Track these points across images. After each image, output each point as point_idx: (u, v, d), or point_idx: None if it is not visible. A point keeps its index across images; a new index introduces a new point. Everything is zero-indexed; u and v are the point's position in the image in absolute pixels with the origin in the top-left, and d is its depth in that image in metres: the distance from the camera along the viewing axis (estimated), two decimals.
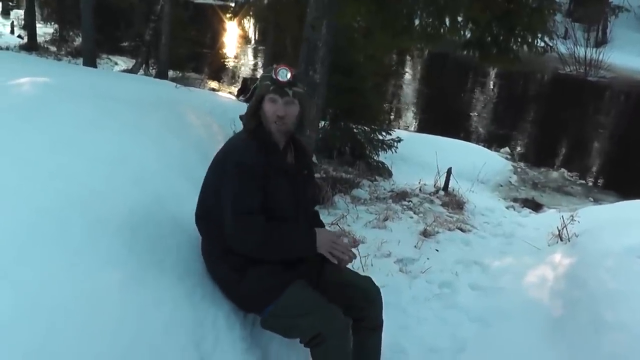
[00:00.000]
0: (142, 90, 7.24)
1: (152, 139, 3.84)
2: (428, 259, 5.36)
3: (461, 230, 6.29)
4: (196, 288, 2.87)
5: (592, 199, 9.98)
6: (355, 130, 9.13)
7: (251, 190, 2.77)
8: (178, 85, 9.20)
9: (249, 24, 18.14)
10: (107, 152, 3.26)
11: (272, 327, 2.90)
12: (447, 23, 5.59)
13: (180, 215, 3.16)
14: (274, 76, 2.80)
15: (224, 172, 2.85)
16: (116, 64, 19.63)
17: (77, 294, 2.18)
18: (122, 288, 2.40)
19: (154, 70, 17.19)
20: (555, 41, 17.96)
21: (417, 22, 5.97)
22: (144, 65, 17.85)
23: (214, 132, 4.94)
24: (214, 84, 17.76)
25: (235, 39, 24.64)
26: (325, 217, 5.61)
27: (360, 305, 3.01)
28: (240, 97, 13.04)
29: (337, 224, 5.64)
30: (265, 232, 2.77)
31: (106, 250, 2.48)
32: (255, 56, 23.12)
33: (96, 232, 2.52)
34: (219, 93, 13.67)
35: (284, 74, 2.80)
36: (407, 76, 22.85)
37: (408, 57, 23.93)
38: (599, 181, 11.97)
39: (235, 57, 23.32)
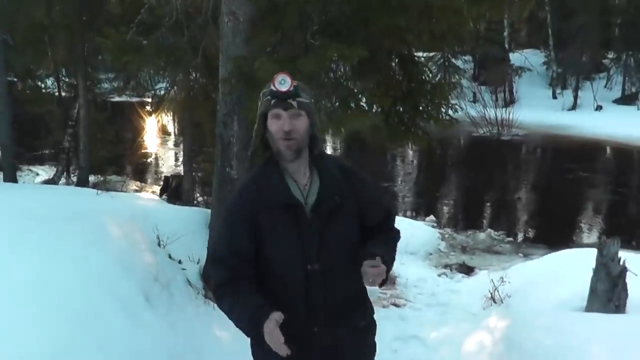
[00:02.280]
0: (62, 202, 7.08)
1: (73, 257, 3.78)
2: None
3: (396, 305, 6.31)
4: None
5: (521, 254, 10.17)
6: None
7: (228, 235, 2.40)
8: (99, 192, 9.05)
9: (167, 120, 18.13)
10: (26, 277, 3.19)
11: None
12: (353, 106, 5.66)
13: (105, 336, 3.09)
14: (273, 87, 2.31)
15: None
16: (37, 174, 19.20)
17: None
18: None
19: (75, 178, 16.93)
20: (465, 106, 18.68)
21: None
22: (65, 173, 17.55)
23: (136, 240, 4.87)
24: (136, 185, 17.58)
25: (156, 134, 24.57)
26: None
27: None
28: (163, 196, 12.98)
29: None
30: (219, 289, 2.42)
31: None
32: (175, 151, 23.05)
33: None
34: (141, 194, 13.56)
35: (284, 83, 2.31)
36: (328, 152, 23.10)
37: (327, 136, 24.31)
38: (527, 235, 12.26)
39: (157, 154, 23.21)
